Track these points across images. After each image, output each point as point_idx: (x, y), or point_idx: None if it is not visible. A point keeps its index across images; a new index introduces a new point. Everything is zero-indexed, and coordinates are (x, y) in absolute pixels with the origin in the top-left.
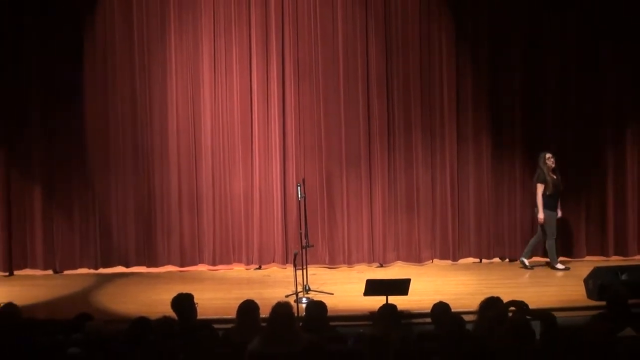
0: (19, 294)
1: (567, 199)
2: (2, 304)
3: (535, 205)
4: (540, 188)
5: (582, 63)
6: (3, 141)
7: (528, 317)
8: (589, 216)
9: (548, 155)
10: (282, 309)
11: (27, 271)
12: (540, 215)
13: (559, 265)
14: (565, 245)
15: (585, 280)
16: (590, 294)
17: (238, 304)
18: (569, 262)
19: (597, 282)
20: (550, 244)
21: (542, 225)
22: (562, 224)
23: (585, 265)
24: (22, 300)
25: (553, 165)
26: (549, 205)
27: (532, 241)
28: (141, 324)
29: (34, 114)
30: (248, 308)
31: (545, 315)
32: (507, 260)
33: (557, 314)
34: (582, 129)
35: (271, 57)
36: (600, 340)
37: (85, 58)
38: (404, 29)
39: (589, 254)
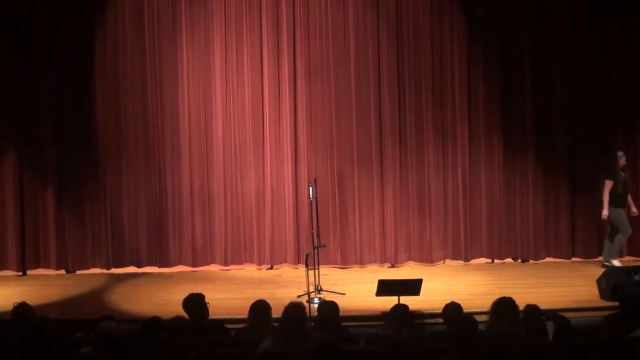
0: (32, 293)
1: (580, 200)
2: (15, 304)
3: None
4: (608, 185)
5: (592, 59)
6: (15, 143)
7: (543, 317)
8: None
9: (620, 153)
10: (294, 309)
11: (40, 271)
12: (605, 212)
13: (616, 262)
14: (578, 245)
15: (598, 281)
16: (603, 294)
17: (250, 304)
18: (581, 262)
19: (610, 283)
20: (621, 240)
21: (611, 223)
22: (575, 225)
23: (598, 265)
24: (36, 300)
25: (624, 163)
26: (619, 203)
27: (608, 242)
28: (153, 324)
29: (45, 115)
30: (260, 308)
31: (558, 318)
32: (519, 260)
33: (569, 314)
34: (594, 127)
35: (282, 56)
36: (613, 340)
37: (96, 59)
38: (415, 29)
39: (602, 254)
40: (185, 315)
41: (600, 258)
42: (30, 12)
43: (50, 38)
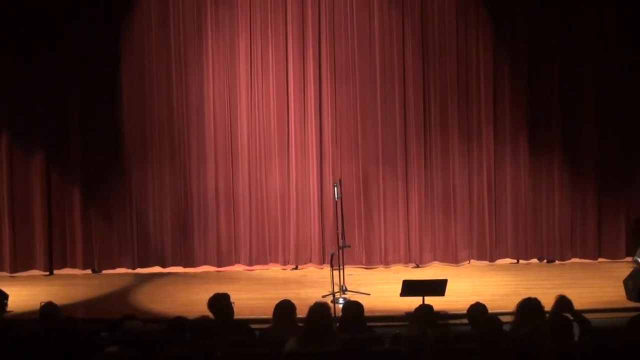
0: (59, 293)
1: (607, 200)
2: (42, 303)
3: None
4: None
5: (622, 58)
6: (43, 143)
7: (569, 315)
8: (629, 216)
9: None
10: (319, 309)
11: (67, 270)
12: None
13: None
14: (604, 245)
15: (625, 281)
16: (629, 295)
17: (274, 304)
18: (608, 263)
19: (637, 283)
20: None
21: None
22: (602, 225)
23: (625, 266)
24: (62, 299)
25: None
26: None
27: None
28: (178, 324)
29: (73, 116)
30: (285, 308)
31: (581, 319)
32: (545, 261)
33: (595, 315)
34: (622, 127)
35: (307, 57)
36: (638, 341)
37: (122, 59)
38: (441, 28)
39: (629, 254)
40: (211, 315)
41: (627, 258)
42: (57, 14)
43: (76, 39)
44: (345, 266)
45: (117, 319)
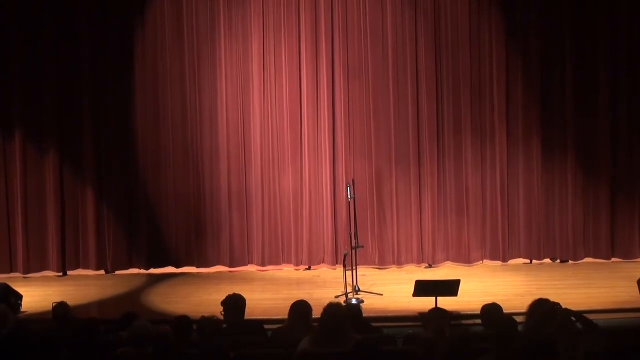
0: (72, 294)
1: (620, 199)
2: (55, 304)
3: None
4: None
5: (635, 58)
6: (56, 143)
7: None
8: None
9: None
10: (333, 309)
11: (80, 271)
12: None
13: None
14: (618, 246)
15: (639, 282)
16: None
17: (287, 305)
18: (622, 263)
19: None
20: None
21: None
22: (615, 225)
23: (639, 266)
24: (76, 300)
25: None
26: None
27: None
28: (184, 323)
29: (86, 116)
30: (301, 308)
31: (585, 320)
32: (558, 261)
33: (609, 315)
34: (636, 127)
35: (321, 57)
36: None
37: (136, 61)
38: (454, 29)
39: None
40: (223, 313)
41: None
42: (71, 15)
43: (91, 41)
44: (358, 266)
45: (118, 319)
